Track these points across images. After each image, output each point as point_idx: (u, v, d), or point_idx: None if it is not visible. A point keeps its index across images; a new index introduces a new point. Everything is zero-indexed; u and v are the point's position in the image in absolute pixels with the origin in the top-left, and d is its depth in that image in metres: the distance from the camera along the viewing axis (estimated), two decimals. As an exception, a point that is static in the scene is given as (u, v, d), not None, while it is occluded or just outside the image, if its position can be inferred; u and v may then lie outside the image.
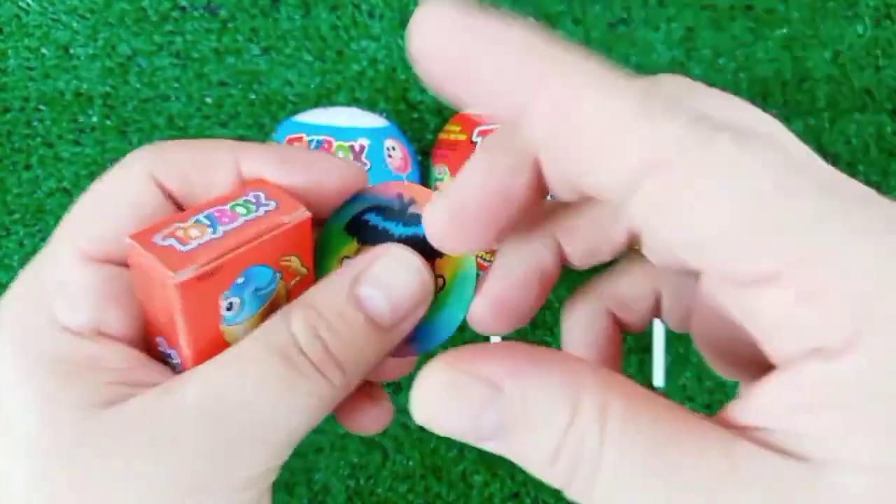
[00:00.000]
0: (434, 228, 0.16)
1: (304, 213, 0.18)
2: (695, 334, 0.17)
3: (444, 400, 0.14)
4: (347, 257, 0.19)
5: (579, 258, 0.18)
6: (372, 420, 0.21)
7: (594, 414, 0.13)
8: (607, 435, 0.12)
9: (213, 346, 0.17)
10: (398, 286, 0.17)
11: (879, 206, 0.12)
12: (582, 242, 0.18)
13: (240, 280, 0.18)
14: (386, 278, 0.17)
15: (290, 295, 0.19)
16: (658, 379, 0.45)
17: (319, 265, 0.19)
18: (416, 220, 0.19)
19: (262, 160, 0.18)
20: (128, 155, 0.18)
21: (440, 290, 0.19)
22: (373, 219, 0.20)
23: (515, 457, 0.14)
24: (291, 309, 0.17)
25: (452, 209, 0.16)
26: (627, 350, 0.46)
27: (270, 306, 0.19)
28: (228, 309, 0.18)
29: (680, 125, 0.11)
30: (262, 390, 0.16)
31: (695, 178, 0.11)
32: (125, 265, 0.17)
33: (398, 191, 0.20)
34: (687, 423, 0.13)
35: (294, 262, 0.19)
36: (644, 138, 0.11)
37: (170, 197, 0.18)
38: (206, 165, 0.18)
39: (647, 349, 0.46)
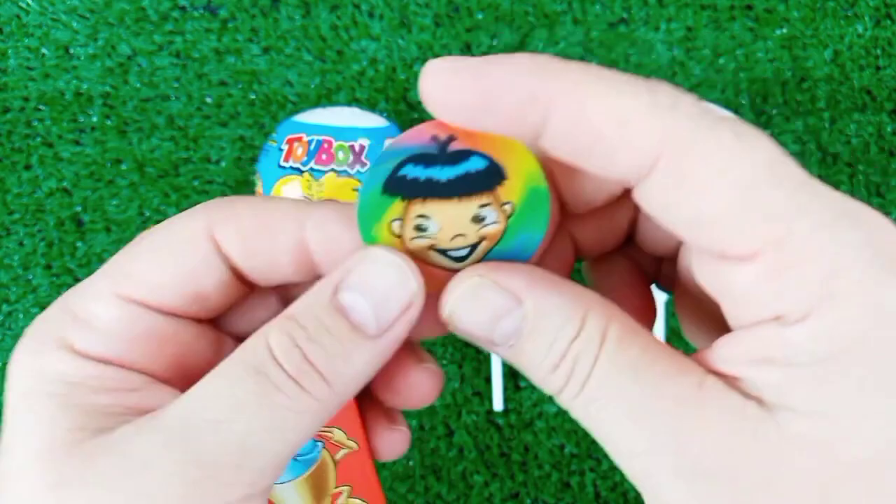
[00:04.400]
0: (436, 84, 0.16)
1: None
2: (676, 302, 0.20)
3: (470, 300, 0.15)
4: (398, 220, 0.17)
5: (573, 196, 0.19)
6: (389, 445, 0.21)
7: (596, 333, 0.15)
8: (602, 352, 0.15)
9: None
10: (381, 291, 0.16)
11: (847, 204, 0.14)
12: (591, 232, 0.19)
13: None
14: (369, 283, 0.16)
15: (338, 467, 0.20)
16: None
17: (367, 238, 0.17)
18: (463, 155, 0.17)
19: (326, 221, 0.17)
20: (195, 206, 0.18)
21: (510, 216, 0.18)
22: (412, 171, 0.18)
23: (521, 362, 0.16)
24: (271, 323, 0.16)
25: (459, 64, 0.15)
26: (627, 350, 0.46)
27: (318, 476, 0.20)
28: None
29: (687, 117, 0.13)
30: (234, 408, 0.15)
31: (699, 164, 0.13)
32: (156, 310, 0.17)
33: (431, 133, 0.18)
34: (670, 355, 0.15)
35: (336, 434, 0.20)
36: (656, 128, 0.13)
37: (226, 259, 0.17)
38: (270, 231, 0.17)
39: (647, 349, 0.46)
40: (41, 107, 0.45)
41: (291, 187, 0.37)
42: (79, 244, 0.45)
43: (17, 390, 0.16)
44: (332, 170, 0.37)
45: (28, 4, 0.45)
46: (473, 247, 0.18)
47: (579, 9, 0.45)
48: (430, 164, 0.18)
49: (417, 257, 0.17)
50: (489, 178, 0.17)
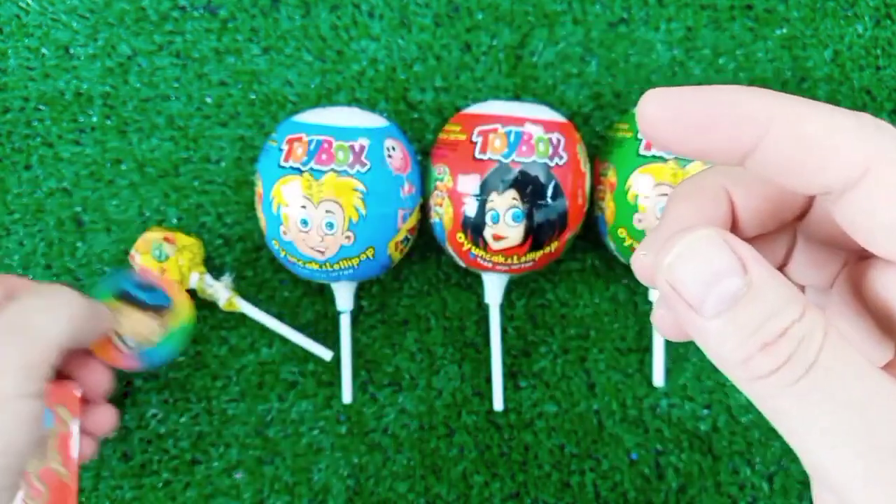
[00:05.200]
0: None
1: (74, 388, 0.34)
2: (834, 309, 0.20)
3: (696, 253, 0.15)
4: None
5: (749, 218, 0.19)
6: (101, 420, 0.36)
7: (819, 322, 0.15)
8: (829, 342, 0.14)
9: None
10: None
11: None
12: (755, 201, 0.19)
13: None
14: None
15: (59, 441, 0.33)
16: (658, 379, 0.45)
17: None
18: (157, 290, 0.38)
19: None
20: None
21: (166, 332, 0.37)
22: (129, 288, 0.37)
23: (723, 335, 0.15)
24: None
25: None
26: (627, 350, 0.46)
27: (43, 443, 0.33)
28: None
29: (892, 136, 0.15)
30: None
31: None
32: None
33: (149, 277, 0.38)
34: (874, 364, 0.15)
35: (61, 411, 0.33)
36: (867, 143, 0.15)
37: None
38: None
39: (647, 349, 0.46)
40: (41, 107, 0.45)
41: (291, 187, 0.37)
42: (79, 244, 0.45)
43: None
44: (332, 170, 0.37)
45: (28, 4, 0.44)
46: (140, 343, 0.36)
47: (579, 9, 0.45)
48: (139, 289, 0.37)
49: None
50: (164, 306, 0.37)
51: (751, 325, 0.15)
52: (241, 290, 0.45)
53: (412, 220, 0.40)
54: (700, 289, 0.15)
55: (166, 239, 0.42)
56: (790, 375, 0.14)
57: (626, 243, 0.40)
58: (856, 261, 0.19)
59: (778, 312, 0.15)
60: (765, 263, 0.15)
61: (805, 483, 0.46)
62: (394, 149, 0.39)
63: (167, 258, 0.42)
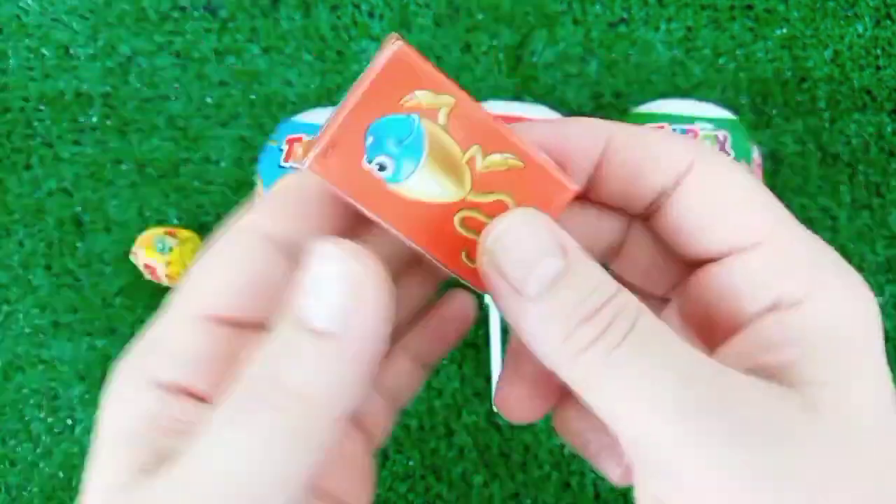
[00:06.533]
0: None
1: (395, 45, 0.16)
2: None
3: (518, 232, 0.16)
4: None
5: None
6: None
7: (632, 296, 0.16)
8: (643, 313, 0.15)
9: (397, 205, 0.17)
10: (327, 288, 0.15)
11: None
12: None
13: (370, 140, 0.17)
14: (315, 283, 0.15)
15: (451, 129, 0.17)
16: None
17: None
18: None
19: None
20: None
21: None
22: None
23: (545, 315, 0.16)
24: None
25: None
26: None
27: (437, 150, 0.17)
28: (382, 169, 0.17)
29: (709, 147, 0.17)
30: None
31: (712, 174, 0.17)
32: (243, 325, 0.16)
33: None
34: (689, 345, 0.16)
35: (423, 98, 0.17)
36: (689, 148, 0.17)
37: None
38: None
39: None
40: (41, 107, 0.45)
41: (291, 187, 0.38)
42: (79, 244, 0.45)
43: (105, 433, 0.16)
44: (333, 170, 0.37)
45: (28, 4, 0.45)
46: None
47: (579, 9, 0.45)
48: None
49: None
50: None
51: (571, 301, 0.15)
52: (241, 290, 0.45)
53: (412, 220, 0.40)
54: (524, 268, 0.16)
55: (168, 233, 0.42)
56: (611, 340, 0.15)
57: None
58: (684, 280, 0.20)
59: (595, 289, 0.15)
60: (580, 247, 0.16)
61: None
62: (394, 149, 0.39)
63: (171, 250, 0.42)
